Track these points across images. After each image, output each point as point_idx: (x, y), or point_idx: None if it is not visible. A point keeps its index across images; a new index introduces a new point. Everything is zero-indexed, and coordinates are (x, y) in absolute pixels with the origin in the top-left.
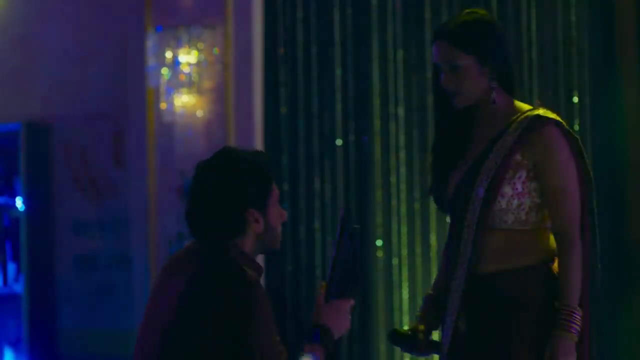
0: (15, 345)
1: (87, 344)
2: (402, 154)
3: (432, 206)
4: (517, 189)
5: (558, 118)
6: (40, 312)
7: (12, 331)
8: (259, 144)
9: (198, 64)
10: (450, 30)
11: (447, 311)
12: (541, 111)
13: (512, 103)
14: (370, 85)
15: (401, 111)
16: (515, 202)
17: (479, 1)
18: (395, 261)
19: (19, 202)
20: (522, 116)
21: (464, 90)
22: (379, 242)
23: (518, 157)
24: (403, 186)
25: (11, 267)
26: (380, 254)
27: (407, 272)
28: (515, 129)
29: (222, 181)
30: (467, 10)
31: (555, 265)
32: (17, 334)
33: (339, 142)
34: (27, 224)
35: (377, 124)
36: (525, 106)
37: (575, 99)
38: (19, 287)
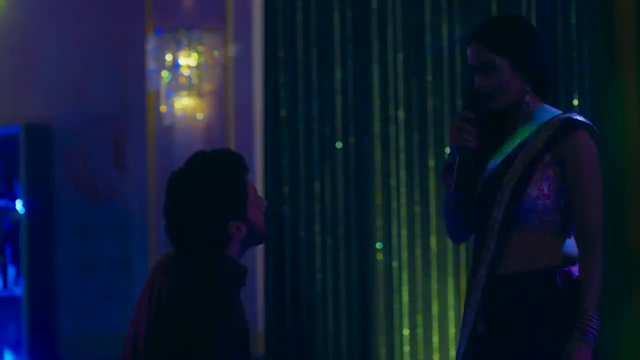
0: (15, 348)
1: (87, 347)
2: (402, 157)
3: (432, 209)
4: (543, 190)
5: (589, 123)
6: (40, 315)
7: (12, 334)
8: (258, 146)
9: (198, 66)
10: (486, 32)
11: (466, 309)
12: (573, 115)
13: (544, 107)
14: (370, 88)
15: (401, 114)
16: (541, 203)
17: (480, 2)
18: (395, 264)
19: (19, 205)
20: (553, 119)
21: (498, 92)
22: (378, 245)
23: (547, 159)
24: (403, 189)
25: (11, 270)
26: (380, 256)
27: (407, 275)
28: (545, 132)
29: (200, 200)
30: (504, 15)
31: (576, 269)
32: (17, 337)
33: (339, 144)
34: (27, 227)
35: (377, 126)
36: (555, 110)
37: (576, 101)
38: (19, 290)
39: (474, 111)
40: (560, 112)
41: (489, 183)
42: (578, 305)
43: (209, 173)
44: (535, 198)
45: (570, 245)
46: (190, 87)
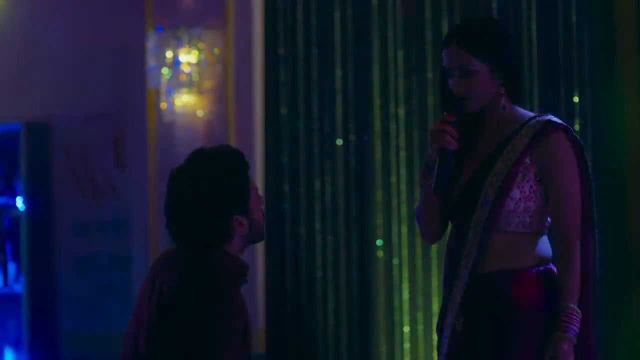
0: (15, 345)
1: (87, 345)
2: (403, 154)
3: None
4: (524, 192)
5: (567, 125)
6: (41, 312)
7: (13, 331)
8: (259, 144)
9: (198, 64)
10: (464, 35)
11: (447, 311)
12: (551, 117)
13: (517, 109)
14: (370, 86)
15: (401, 111)
16: (522, 205)
17: (479, 2)
18: (395, 261)
19: (19, 203)
20: (532, 121)
21: (475, 95)
22: (379, 242)
23: (527, 161)
24: (403, 186)
25: (11, 267)
26: (380, 254)
27: (408, 272)
28: (525, 134)
29: (203, 195)
30: (480, 17)
31: (554, 267)
32: (17, 334)
33: (339, 142)
34: (27, 224)
35: (377, 124)
36: (529, 113)
37: (576, 99)
38: (19, 288)
39: (456, 114)
40: (533, 114)
41: (470, 186)
42: (558, 303)
43: (211, 169)
44: (518, 200)
45: (548, 243)
46: (191, 85)
